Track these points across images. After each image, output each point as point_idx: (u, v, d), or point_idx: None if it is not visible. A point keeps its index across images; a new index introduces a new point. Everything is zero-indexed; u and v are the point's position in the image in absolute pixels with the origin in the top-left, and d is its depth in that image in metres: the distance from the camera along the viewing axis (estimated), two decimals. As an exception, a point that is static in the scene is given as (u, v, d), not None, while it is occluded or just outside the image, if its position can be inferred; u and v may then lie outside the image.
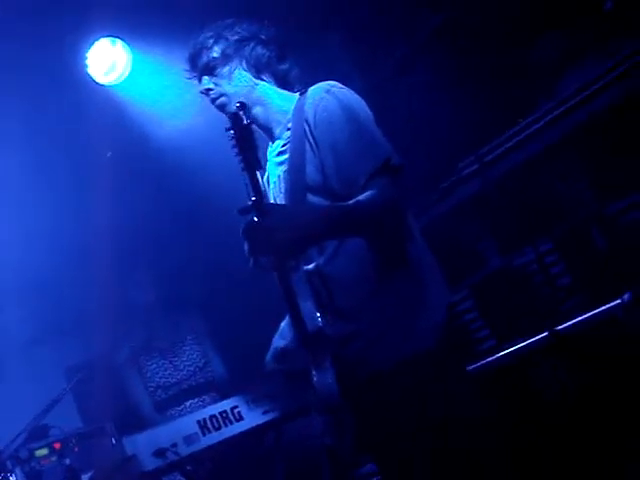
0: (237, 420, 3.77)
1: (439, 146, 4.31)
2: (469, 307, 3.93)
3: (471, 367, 3.52)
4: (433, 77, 4.40)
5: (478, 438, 2.41)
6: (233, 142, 2.28)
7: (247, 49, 2.71)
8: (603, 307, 3.16)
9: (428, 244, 2.66)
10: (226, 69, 2.68)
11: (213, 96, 2.69)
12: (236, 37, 2.71)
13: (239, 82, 2.69)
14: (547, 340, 3.33)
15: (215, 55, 2.69)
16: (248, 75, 2.71)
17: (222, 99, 2.68)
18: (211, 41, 2.71)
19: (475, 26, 4.16)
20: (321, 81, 2.66)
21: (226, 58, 2.69)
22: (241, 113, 2.29)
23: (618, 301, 3.10)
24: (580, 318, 3.24)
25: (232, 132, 2.28)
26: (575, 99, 3.67)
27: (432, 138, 4.35)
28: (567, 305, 3.51)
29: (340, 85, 2.59)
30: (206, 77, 2.70)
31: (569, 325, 3.27)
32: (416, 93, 4.50)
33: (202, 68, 2.71)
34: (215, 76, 2.69)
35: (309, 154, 2.50)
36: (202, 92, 2.74)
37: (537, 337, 3.36)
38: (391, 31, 4.56)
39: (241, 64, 2.70)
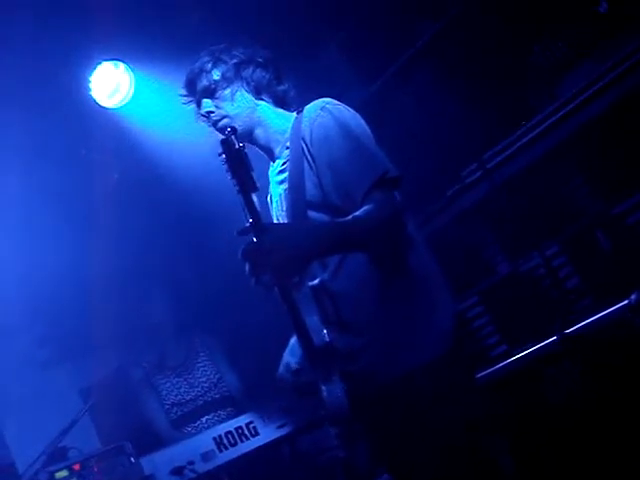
0: (253, 435, 3.79)
1: (442, 154, 4.32)
2: (479, 313, 3.94)
3: (482, 373, 3.54)
4: (433, 85, 4.42)
5: (487, 448, 2.43)
6: (226, 167, 2.31)
7: (247, 71, 2.75)
8: (611, 309, 3.17)
9: (435, 252, 2.67)
10: (227, 91, 2.72)
11: (215, 118, 2.72)
12: (235, 60, 2.75)
13: (241, 103, 2.73)
14: (556, 344, 3.34)
15: (216, 78, 2.72)
16: (249, 96, 2.74)
17: (225, 121, 2.71)
18: (209, 65, 2.74)
19: (473, 33, 4.17)
20: (321, 93, 2.69)
21: (227, 80, 2.72)
22: (232, 137, 2.32)
23: (625, 302, 3.11)
24: (588, 320, 3.25)
25: (224, 157, 2.31)
26: (575, 102, 3.69)
27: (434, 146, 4.36)
28: (576, 308, 3.52)
29: (335, 101, 2.62)
30: (207, 100, 2.73)
31: (577, 328, 3.28)
32: (417, 101, 4.52)
33: (202, 91, 2.73)
34: (216, 98, 2.72)
35: (308, 171, 2.53)
36: (203, 115, 2.76)
37: (546, 341, 3.38)
38: (390, 40, 4.58)
39: (242, 86, 2.74)
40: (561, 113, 3.71)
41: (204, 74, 2.73)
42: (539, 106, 3.87)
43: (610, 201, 3.57)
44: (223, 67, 2.73)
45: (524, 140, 3.87)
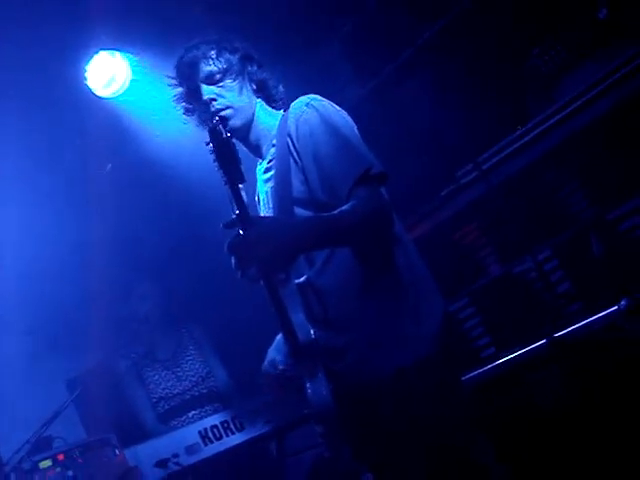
0: (238, 430, 3.79)
1: (438, 153, 4.32)
2: (470, 314, 3.94)
3: (471, 374, 3.54)
4: (431, 85, 4.42)
5: (473, 448, 2.42)
6: (213, 156, 2.29)
7: (253, 67, 2.75)
8: (601, 314, 3.17)
9: (428, 252, 2.66)
10: (235, 83, 2.69)
11: (218, 107, 2.67)
12: (239, 54, 2.73)
13: (246, 98, 2.71)
14: (546, 347, 3.33)
15: (224, 66, 2.68)
16: (251, 92, 2.73)
17: (228, 111, 2.67)
18: (214, 52, 2.70)
19: (473, 34, 4.17)
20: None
21: (235, 72, 2.70)
22: (220, 127, 2.30)
23: (615, 307, 3.11)
24: (578, 325, 3.25)
25: (212, 146, 2.29)
26: (572, 106, 3.68)
27: (431, 145, 4.35)
28: (566, 312, 3.52)
29: (320, 98, 2.61)
30: (210, 87, 2.68)
31: (567, 332, 3.28)
32: (415, 101, 4.51)
33: (206, 77, 2.69)
34: (221, 87, 2.68)
35: (294, 168, 2.52)
36: (205, 101, 2.68)
37: (535, 344, 3.37)
38: (391, 39, 4.58)
39: (246, 80, 2.72)
40: (558, 117, 3.70)
41: (209, 60, 2.68)
42: (537, 109, 3.86)
43: (604, 206, 3.56)
44: (229, 57, 2.70)
45: (520, 142, 3.86)
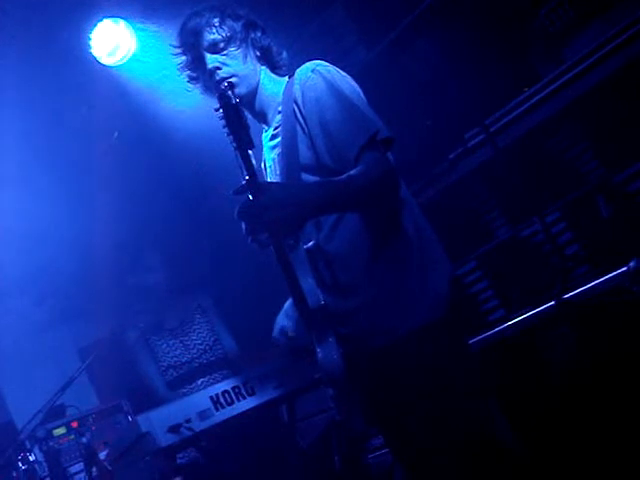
0: (249, 395, 3.81)
1: (445, 116, 4.29)
2: (478, 278, 3.94)
3: (479, 337, 3.55)
4: (438, 47, 4.38)
5: (481, 409, 2.44)
6: (223, 122, 2.29)
7: (256, 34, 2.73)
8: (609, 275, 3.17)
9: (435, 216, 2.66)
10: (239, 51, 2.67)
11: (223, 75, 2.65)
12: (242, 21, 2.71)
13: (250, 65, 2.70)
14: (554, 309, 3.34)
15: (228, 34, 2.66)
16: (255, 60, 2.72)
17: (233, 79, 2.65)
18: (217, 20, 2.68)
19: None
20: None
21: (239, 40, 2.68)
22: (229, 93, 2.30)
23: (623, 269, 3.10)
24: (587, 286, 3.25)
25: (221, 112, 2.29)
26: (580, 67, 3.65)
27: (439, 108, 4.33)
28: (574, 274, 3.52)
29: (325, 63, 2.60)
30: (214, 55, 2.67)
31: (576, 293, 3.28)
32: (421, 63, 4.47)
33: (210, 45, 2.67)
34: (225, 55, 2.66)
35: (300, 134, 2.52)
36: (210, 70, 2.67)
37: (544, 306, 3.38)
38: (395, 1, 4.53)
39: (250, 48, 2.71)
40: (565, 78, 3.67)
41: (213, 28, 2.66)
42: (544, 70, 3.83)
43: (612, 168, 3.54)
44: (233, 25, 2.68)
45: (527, 105, 3.83)
